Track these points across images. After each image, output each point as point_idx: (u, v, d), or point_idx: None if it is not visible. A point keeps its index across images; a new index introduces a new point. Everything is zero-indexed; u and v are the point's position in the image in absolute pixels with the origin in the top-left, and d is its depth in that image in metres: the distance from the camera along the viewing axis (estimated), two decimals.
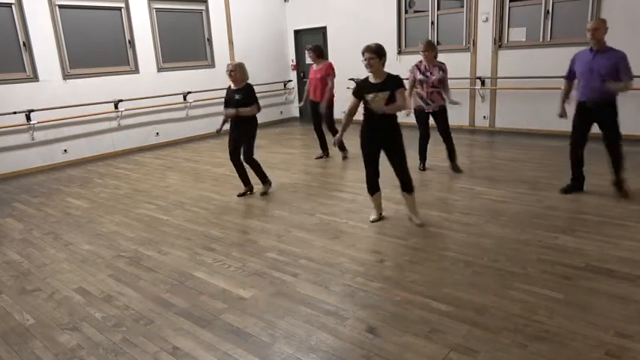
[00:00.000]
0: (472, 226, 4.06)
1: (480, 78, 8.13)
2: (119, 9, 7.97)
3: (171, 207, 5.08)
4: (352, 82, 9.56)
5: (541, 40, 7.50)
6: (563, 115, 4.76)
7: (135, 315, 2.95)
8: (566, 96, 4.76)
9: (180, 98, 8.88)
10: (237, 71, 4.94)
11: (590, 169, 5.04)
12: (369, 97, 3.86)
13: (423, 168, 6.01)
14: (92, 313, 3.00)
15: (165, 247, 4.00)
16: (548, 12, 7.36)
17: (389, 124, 3.96)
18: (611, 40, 6.81)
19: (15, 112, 6.81)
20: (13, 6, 6.78)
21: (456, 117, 8.60)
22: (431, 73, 5.65)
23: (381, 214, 4.37)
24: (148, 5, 8.33)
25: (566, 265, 3.25)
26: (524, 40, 7.70)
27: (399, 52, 9.02)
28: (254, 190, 5.41)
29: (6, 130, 6.86)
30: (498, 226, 4.02)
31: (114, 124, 8.12)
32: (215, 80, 8.97)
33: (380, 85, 3.87)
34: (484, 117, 8.41)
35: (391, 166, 4.09)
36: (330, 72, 6.77)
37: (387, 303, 2.91)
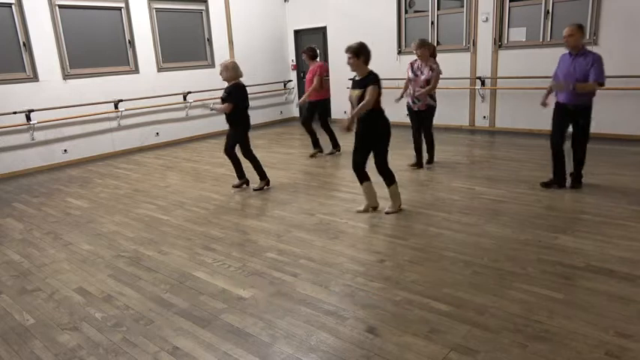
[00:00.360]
0: (472, 226, 4.06)
1: (479, 78, 8.13)
2: (119, 9, 7.97)
3: (171, 207, 5.08)
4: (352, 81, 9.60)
5: (541, 40, 7.50)
6: (545, 104, 4.86)
7: (135, 315, 2.95)
8: (550, 91, 4.87)
9: (180, 98, 8.88)
10: (224, 71, 5.13)
11: (589, 169, 5.05)
12: (349, 92, 4.24)
13: (420, 166, 6.05)
14: (92, 313, 3.00)
15: (165, 247, 4.00)
16: (548, 12, 7.36)
17: (369, 119, 4.15)
18: (610, 39, 6.87)
19: (15, 112, 6.82)
20: (13, 6, 6.78)
21: (456, 117, 8.62)
22: (421, 73, 5.70)
23: (374, 207, 4.51)
24: (148, 5, 8.34)
25: (566, 265, 3.26)
26: (524, 40, 7.70)
27: (399, 52, 9.02)
28: (250, 184, 5.57)
29: (6, 130, 6.87)
30: (498, 226, 4.02)
31: (114, 124, 8.12)
32: (215, 80, 8.91)
33: (359, 82, 4.15)
34: (484, 117, 8.40)
35: None
36: (316, 72, 6.81)
37: (387, 303, 2.91)
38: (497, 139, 7.79)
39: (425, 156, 6.15)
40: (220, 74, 5.18)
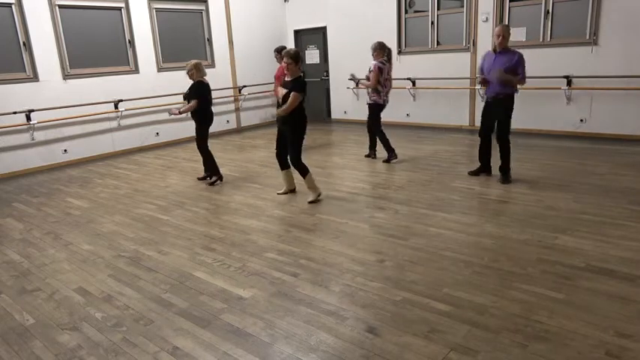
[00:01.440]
0: (472, 226, 4.06)
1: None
2: (119, 9, 7.97)
3: (171, 207, 5.08)
4: (352, 81, 9.59)
5: (541, 40, 7.50)
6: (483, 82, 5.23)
7: (135, 315, 2.95)
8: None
9: (181, 98, 8.85)
10: (195, 71, 5.62)
11: (588, 169, 5.05)
12: (279, 90, 4.74)
13: (369, 155, 6.78)
14: (92, 313, 3.00)
15: (166, 247, 4.00)
16: (548, 12, 7.36)
17: (287, 116, 4.65)
18: (610, 40, 6.87)
19: (15, 112, 6.81)
20: (13, 6, 6.78)
21: (456, 117, 8.62)
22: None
23: (292, 190, 5.23)
24: (148, 5, 8.34)
25: (566, 265, 3.26)
26: (524, 40, 7.70)
27: (399, 52, 9.01)
28: (213, 180, 5.89)
29: (6, 130, 6.86)
30: (498, 226, 4.02)
31: (114, 124, 8.12)
32: (215, 80, 8.92)
33: (287, 83, 4.67)
34: None
35: None
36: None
37: (387, 303, 2.91)
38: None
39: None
40: (190, 75, 5.60)
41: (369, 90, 6.29)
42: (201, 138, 5.82)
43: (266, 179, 5.98)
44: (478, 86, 8.18)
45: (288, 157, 4.90)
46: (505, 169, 5.30)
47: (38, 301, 3.21)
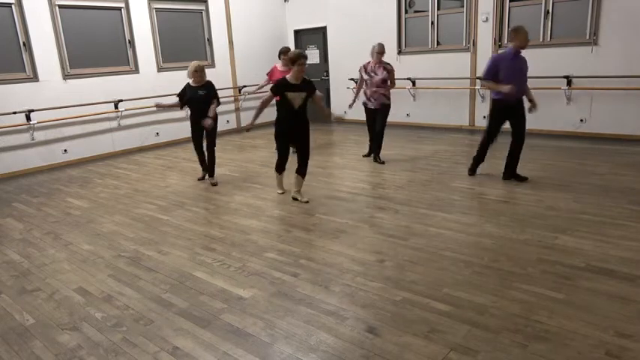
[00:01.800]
0: (472, 226, 4.06)
1: (479, 78, 8.11)
2: (119, 9, 7.97)
3: (171, 207, 5.08)
4: (352, 81, 9.60)
5: (541, 40, 7.50)
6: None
7: (135, 315, 2.95)
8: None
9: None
10: (202, 73, 5.74)
11: (588, 169, 5.05)
12: (290, 95, 4.66)
13: (368, 155, 6.80)
14: (92, 313, 3.00)
15: (166, 247, 4.00)
16: (548, 12, 7.36)
17: (302, 119, 4.78)
18: (610, 40, 6.88)
19: (15, 112, 6.81)
20: (13, 6, 6.78)
21: (456, 117, 8.62)
22: (375, 74, 6.19)
23: (284, 191, 5.29)
24: (148, 5, 8.34)
25: (566, 265, 3.26)
26: None
27: (399, 52, 9.01)
28: (215, 181, 5.93)
29: (6, 130, 6.86)
30: (498, 226, 4.02)
31: (114, 124, 8.12)
32: (216, 80, 8.86)
33: (299, 86, 4.65)
34: (484, 117, 8.38)
35: (297, 152, 4.93)
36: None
37: (387, 303, 2.91)
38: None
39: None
40: (198, 76, 5.66)
41: (386, 91, 6.25)
42: (215, 138, 5.86)
43: (266, 179, 5.98)
44: (483, 91, 8.18)
45: (302, 160, 4.91)
46: (515, 167, 5.35)
47: (38, 301, 3.21)
